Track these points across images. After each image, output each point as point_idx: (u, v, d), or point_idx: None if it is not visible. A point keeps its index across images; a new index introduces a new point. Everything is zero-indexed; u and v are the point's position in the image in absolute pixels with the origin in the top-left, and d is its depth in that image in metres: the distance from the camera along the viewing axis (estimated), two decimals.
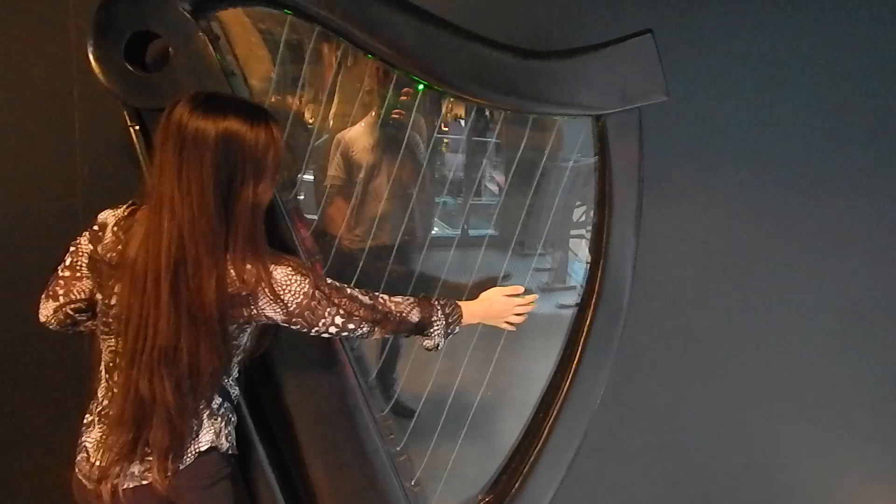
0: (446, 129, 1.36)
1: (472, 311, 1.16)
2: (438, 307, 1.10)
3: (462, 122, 1.36)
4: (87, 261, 0.98)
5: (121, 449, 0.93)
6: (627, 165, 1.23)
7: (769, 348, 1.62)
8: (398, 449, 1.28)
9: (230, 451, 1.02)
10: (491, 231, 1.34)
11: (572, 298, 1.30)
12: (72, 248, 1.00)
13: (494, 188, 1.44)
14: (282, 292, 0.94)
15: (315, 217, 1.27)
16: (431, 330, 1.09)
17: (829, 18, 1.50)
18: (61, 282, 0.99)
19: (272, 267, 0.94)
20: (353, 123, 1.40)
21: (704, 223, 1.55)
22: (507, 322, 1.21)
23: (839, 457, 1.71)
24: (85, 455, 0.97)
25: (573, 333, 1.28)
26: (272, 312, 0.95)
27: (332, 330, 0.99)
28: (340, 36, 1.14)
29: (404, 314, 1.06)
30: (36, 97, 1.29)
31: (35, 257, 1.16)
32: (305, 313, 0.96)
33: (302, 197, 1.28)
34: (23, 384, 1.39)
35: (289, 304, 0.94)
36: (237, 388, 1.06)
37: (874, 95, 1.53)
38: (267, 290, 0.92)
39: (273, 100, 1.21)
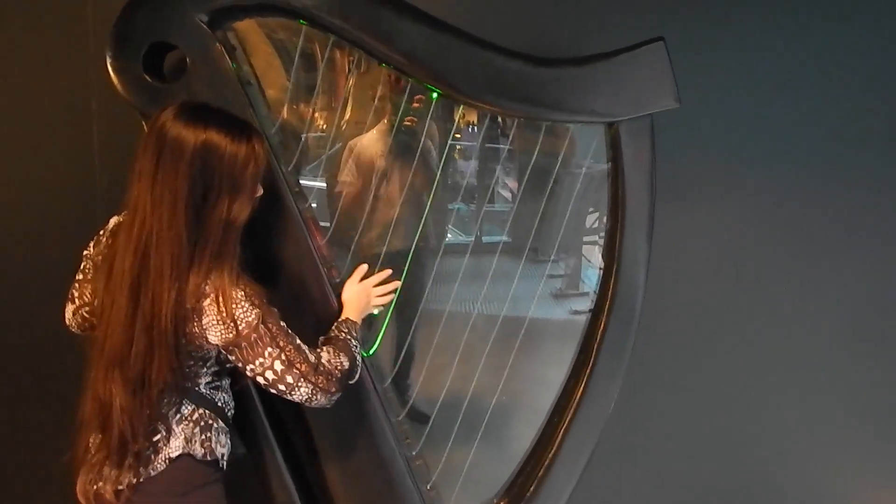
0: (459, 136, 1.37)
1: (354, 313, 1.12)
2: (348, 337, 1.06)
3: (474, 129, 1.37)
4: (91, 264, 1.01)
5: (97, 449, 0.93)
6: (640, 172, 1.23)
7: (783, 352, 1.62)
8: (414, 453, 1.29)
9: (209, 458, 0.97)
10: (504, 238, 1.35)
11: (586, 304, 1.30)
12: (84, 253, 1.04)
13: (507, 195, 1.45)
14: (226, 313, 0.89)
15: (328, 224, 1.29)
16: (356, 360, 1.05)
17: (840, 21, 1.49)
18: (76, 285, 1.03)
19: (228, 287, 0.90)
20: (367, 130, 1.41)
21: (717, 228, 1.55)
22: (378, 304, 1.18)
23: (854, 461, 1.70)
24: (89, 454, 0.96)
25: (586, 339, 1.28)
26: (213, 336, 0.91)
27: (269, 375, 0.92)
28: (355, 45, 1.15)
29: (340, 367, 0.99)
30: (55, 108, 1.31)
31: (56, 266, 1.18)
32: (244, 345, 0.91)
33: (315, 205, 1.29)
34: (40, 383, 1.41)
35: (230, 328, 0.90)
36: (224, 394, 1.02)
37: (888, 98, 1.52)
38: (214, 307, 0.89)
39: (289, 108, 1.22)
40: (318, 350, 1.01)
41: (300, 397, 0.95)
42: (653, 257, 1.26)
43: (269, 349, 0.92)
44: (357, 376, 1.07)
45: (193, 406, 0.97)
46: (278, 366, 0.92)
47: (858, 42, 1.50)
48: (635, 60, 1.18)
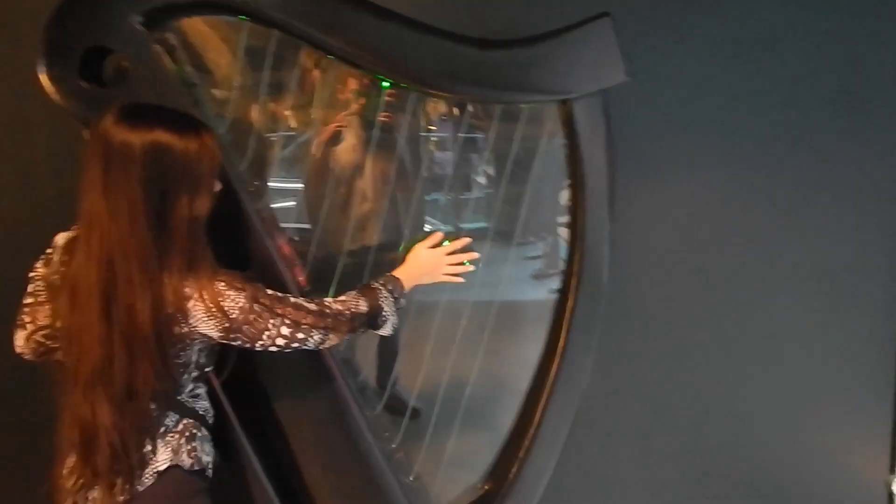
0: (433, 127, 1.37)
1: (408, 275, 1.11)
2: (380, 286, 1.07)
3: (442, 120, 1.37)
4: (44, 285, 0.96)
5: (81, 473, 0.91)
6: (597, 148, 1.25)
7: (751, 319, 1.65)
8: (394, 446, 1.28)
9: (196, 468, 0.97)
10: (482, 224, 1.35)
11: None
12: (31, 275, 0.99)
13: (482, 180, 1.46)
14: (215, 308, 0.89)
15: (296, 224, 1.27)
16: (383, 313, 1.05)
17: None
18: (26, 309, 0.98)
19: (209, 282, 0.90)
20: (324, 127, 1.40)
21: (680, 200, 1.57)
22: (448, 275, 1.15)
23: (828, 428, 1.72)
24: (66, 480, 0.94)
25: (557, 317, 1.30)
26: (207, 329, 0.91)
27: (280, 342, 0.95)
28: (300, 39, 1.13)
29: (353, 308, 1.02)
30: None
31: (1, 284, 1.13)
32: (244, 327, 0.92)
33: (274, 204, 1.27)
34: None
35: (223, 320, 0.90)
36: (203, 401, 1.02)
37: (845, 67, 1.54)
38: (200, 305, 0.88)
39: (238, 108, 1.19)
40: (344, 295, 1.02)
41: (316, 344, 0.98)
42: (618, 232, 1.27)
43: (271, 321, 0.93)
44: (387, 327, 1.07)
45: (177, 416, 0.97)
46: (285, 330, 0.94)
47: (814, 14, 1.52)
48: (582, 37, 1.19)
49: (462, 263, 1.17)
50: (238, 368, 1.07)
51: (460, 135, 1.34)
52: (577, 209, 1.26)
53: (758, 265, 1.62)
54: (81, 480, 0.91)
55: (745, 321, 1.65)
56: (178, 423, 0.97)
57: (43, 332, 0.97)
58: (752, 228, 1.60)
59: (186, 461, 0.96)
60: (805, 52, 1.54)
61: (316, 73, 1.24)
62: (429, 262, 1.14)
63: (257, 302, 0.92)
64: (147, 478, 0.93)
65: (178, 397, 0.97)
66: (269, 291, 0.96)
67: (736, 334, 1.66)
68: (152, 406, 0.92)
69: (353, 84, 1.29)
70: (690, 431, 1.69)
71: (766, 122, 1.56)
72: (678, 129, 1.53)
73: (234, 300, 0.90)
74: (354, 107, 1.32)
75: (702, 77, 1.52)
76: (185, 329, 0.90)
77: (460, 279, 1.17)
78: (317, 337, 0.98)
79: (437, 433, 1.30)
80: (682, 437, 1.69)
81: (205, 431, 1.01)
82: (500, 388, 1.41)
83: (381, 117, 1.26)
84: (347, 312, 1.01)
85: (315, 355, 1.17)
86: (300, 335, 0.96)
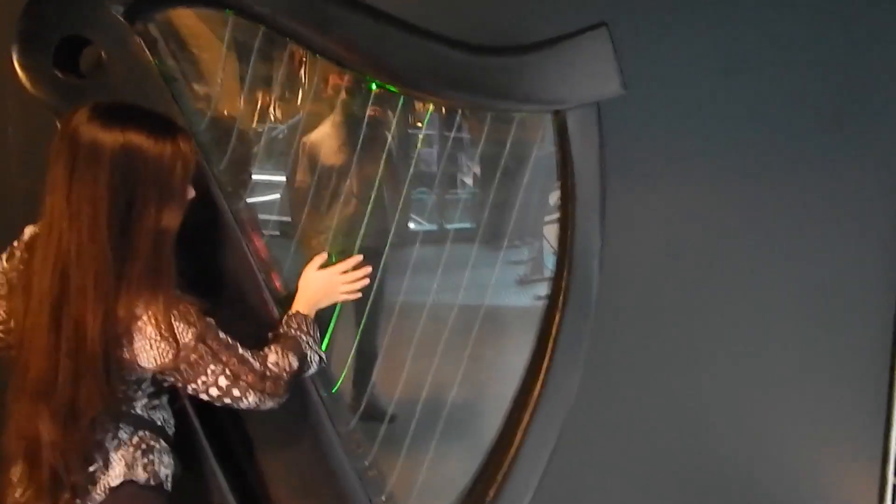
0: (420, 125, 1.33)
1: (306, 302, 1.06)
2: (297, 334, 1.01)
3: (431, 119, 1.34)
4: (3, 279, 0.91)
5: (27, 486, 0.85)
6: (589, 159, 1.21)
7: (740, 335, 1.62)
8: (367, 463, 1.23)
9: (153, 482, 0.90)
10: (467, 224, 1.31)
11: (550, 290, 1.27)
12: None
13: (468, 181, 1.43)
14: (159, 337, 0.83)
15: (286, 221, 1.23)
16: (308, 359, 1.01)
17: (787, 5, 1.50)
18: None
19: (164, 307, 0.84)
20: (316, 125, 1.36)
21: (671, 213, 1.54)
22: (346, 293, 1.11)
23: (813, 441, 1.71)
24: (12, 489, 0.88)
25: (542, 332, 1.25)
26: (144, 360, 0.85)
27: (214, 392, 0.89)
28: (287, 36, 1.10)
29: (288, 369, 0.96)
30: None
31: None
32: (182, 366, 0.86)
33: (256, 199, 1.23)
34: None
35: (164, 355, 0.84)
36: (162, 411, 0.96)
37: (836, 80, 1.54)
38: (147, 329, 0.83)
39: (219, 105, 1.15)
40: (265, 351, 0.96)
41: (248, 405, 0.92)
42: (607, 244, 1.23)
43: (211, 366, 0.87)
44: (313, 369, 1.03)
45: (132, 429, 0.90)
46: (223, 381, 0.88)
47: (805, 26, 1.52)
48: (578, 47, 1.15)
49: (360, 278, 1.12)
50: None
51: (447, 134, 1.30)
52: (566, 221, 1.22)
53: (749, 280, 1.60)
54: (28, 492, 0.86)
55: (737, 337, 1.62)
56: (132, 435, 0.91)
57: (0, 328, 0.92)
58: (744, 243, 1.58)
59: (142, 476, 0.90)
60: (799, 67, 1.53)
61: (301, 69, 1.20)
62: (322, 285, 1.09)
63: (204, 342, 0.86)
64: (98, 494, 0.87)
65: (133, 410, 0.91)
66: (221, 335, 0.90)
67: (726, 351, 1.63)
68: (96, 426, 0.86)
69: (338, 80, 1.25)
70: (679, 453, 1.65)
71: (760, 136, 1.54)
72: (670, 142, 1.51)
73: (183, 334, 0.85)
74: (339, 103, 1.28)
75: (697, 89, 1.50)
76: (126, 355, 0.84)
77: (358, 294, 1.13)
78: (252, 399, 0.91)
79: (413, 448, 1.25)
80: (671, 458, 1.65)
81: (163, 444, 0.95)
82: (481, 398, 1.36)
83: (369, 112, 1.23)
84: (285, 375, 0.95)
85: None
86: (236, 392, 0.90)
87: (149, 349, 0.84)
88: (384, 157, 1.28)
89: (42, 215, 0.83)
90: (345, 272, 1.12)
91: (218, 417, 1.08)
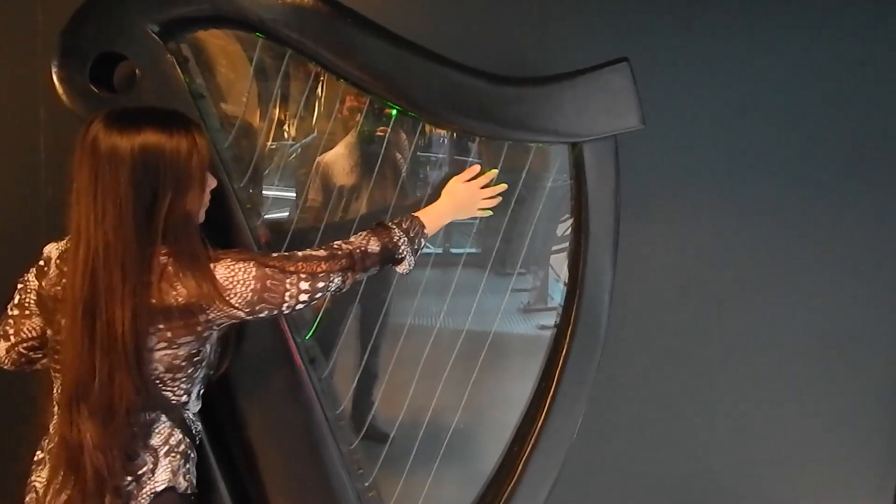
0: (426, 146, 1.35)
1: (440, 211, 1.11)
2: (393, 226, 1.05)
3: (444, 141, 1.35)
4: (35, 298, 0.94)
5: (80, 489, 0.86)
6: (604, 193, 1.21)
7: (751, 373, 1.59)
8: (367, 484, 1.23)
9: (188, 491, 0.94)
10: (472, 249, 1.32)
11: (553, 319, 1.26)
12: (19, 286, 0.96)
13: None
14: (232, 288, 0.88)
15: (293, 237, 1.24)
16: (399, 251, 1.03)
17: (804, 42, 1.50)
18: (10, 321, 0.96)
19: (214, 269, 0.88)
20: (332, 145, 1.38)
21: (683, 249, 1.53)
22: (480, 209, 1.15)
23: (821, 473, 1.66)
24: (34, 496, 0.91)
25: (549, 364, 1.24)
26: (231, 310, 0.89)
27: (304, 297, 0.93)
28: (312, 59, 1.12)
29: (363, 248, 1.00)
30: (2, 118, 1.27)
31: None
32: (265, 295, 0.90)
33: (267, 216, 1.25)
34: None
35: (243, 296, 0.88)
36: (199, 423, 1.00)
37: (850, 120, 1.53)
38: (216, 297, 0.86)
39: (244, 123, 1.18)
40: (334, 243, 1.00)
41: (337, 287, 0.97)
42: (617, 279, 1.22)
43: (289, 280, 0.91)
44: (404, 264, 1.05)
45: (181, 435, 0.94)
46: (304, 285, 0.93)
47: (824, 66, 1.51)
48: (599, 81, 1.16)
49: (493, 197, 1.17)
50: (213, 394, 1.04)
51: (457, 157, 1.32)
52: (578, 253, 1.22)
53: (759, 324, 1.57)
54: (65, 496, 0.87)
55: (746, 379, 1.59)
56: (180, 442, 0.94)
57: (26, 345, 0.95)
58: (757, 282, 1.56)
59: (182, 484, 0.93)
60: (817, 106, 1.52)
61: (319, 90, 1.23)
62: (467, 195, 1.14)
63: (267, 266, 0.90)
64: (143, 498, 0.89)
65: (187, 415, 0.95)
66: (274, 254, 0.95)
67: (735, 392, 1.60)
68: (132, 422, 0.88)
69: (355, 102, 1.28)
70: (683, 494, 1.61)
71: (776, 175, 1.53)
72: (684, 177, 1.51)
73: (246, 273, 0.89)
74: (356, 124, 1.31)
75: (713, 125, 1.50)
76: (211, 315, 0.88)
77: (490, 212, 1.17)
78: (337, 280, 0.96)
79: (413, 471, 1.24)
80: (675, 499, 1.61)
81: (195, 453, 0.98)
82: (483, 424, 1.35)
83: (379, 132, 1.25)
84: (358, 252, 0.99)
85: (297, 382, 1.13)
86: (320, 284, 0.94)
87: (229, 301, 0.87)
88: (399, 180, 1.30)
89: (69, 227, 0.86)
90: (485, 187, 1.15)
91: (223, 433, 1.10)
